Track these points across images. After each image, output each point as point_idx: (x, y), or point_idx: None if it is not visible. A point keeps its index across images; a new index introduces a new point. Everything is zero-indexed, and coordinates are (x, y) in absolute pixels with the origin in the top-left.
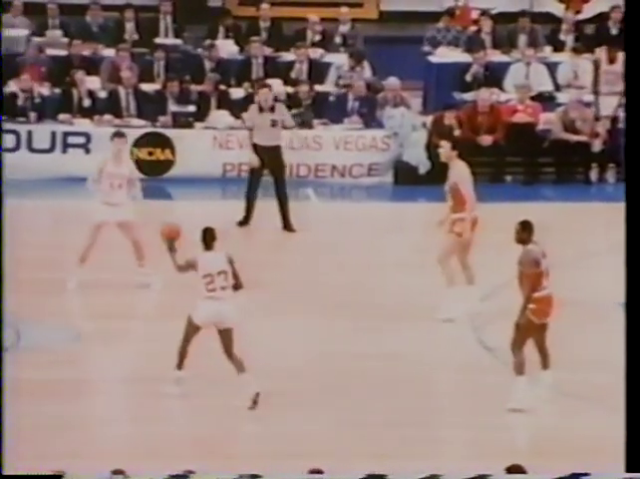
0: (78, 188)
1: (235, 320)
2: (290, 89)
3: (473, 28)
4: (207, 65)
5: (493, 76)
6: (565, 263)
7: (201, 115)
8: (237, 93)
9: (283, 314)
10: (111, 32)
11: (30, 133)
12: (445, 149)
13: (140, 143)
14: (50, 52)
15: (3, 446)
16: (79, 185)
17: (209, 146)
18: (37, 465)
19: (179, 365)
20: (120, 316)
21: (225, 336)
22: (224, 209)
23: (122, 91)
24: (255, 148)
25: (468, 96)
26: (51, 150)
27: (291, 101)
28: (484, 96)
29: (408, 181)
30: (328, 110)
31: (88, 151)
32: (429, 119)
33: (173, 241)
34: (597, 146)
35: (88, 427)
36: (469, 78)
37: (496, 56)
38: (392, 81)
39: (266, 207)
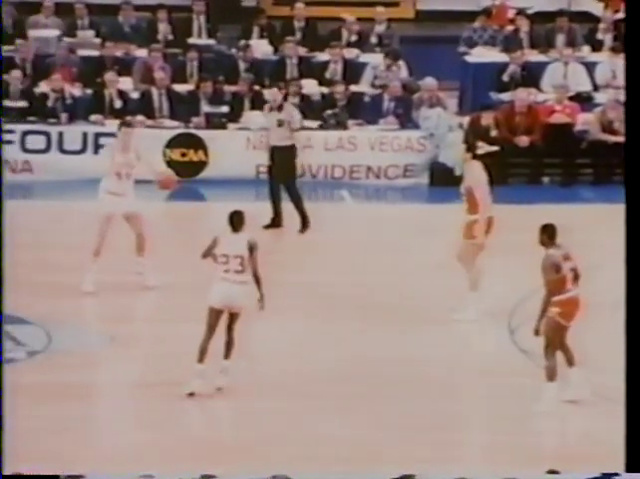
0: None
1: (244, 305)
2: (325, 89)
3: (510, 27)
4: (241, 65)
5: (531, 76)
6: (603, 265)
7: (235, 116)
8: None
9: (315, 317)
10: (143, 32)
11: (61, 134)
12: (460, 150)
13: (172, 144)
14: (81, 52)
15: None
16: None
17: (243, 147)
18: (61, 468)
19: (200, 359)
20: (145, 319)
21: (232, 318)
22: (258, 210)
23: (154, 92)
24: (269, 149)
25: (505, 96)
26: (82, 151)
27: (326, 101)
28: (522, 96)
29: (444, 182)
30: (363, 110)
31: None
32: (465, 119)
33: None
34: None
35: (111, 430)
36: (506, 78)
37: (534, 56)
38: (428, 81)
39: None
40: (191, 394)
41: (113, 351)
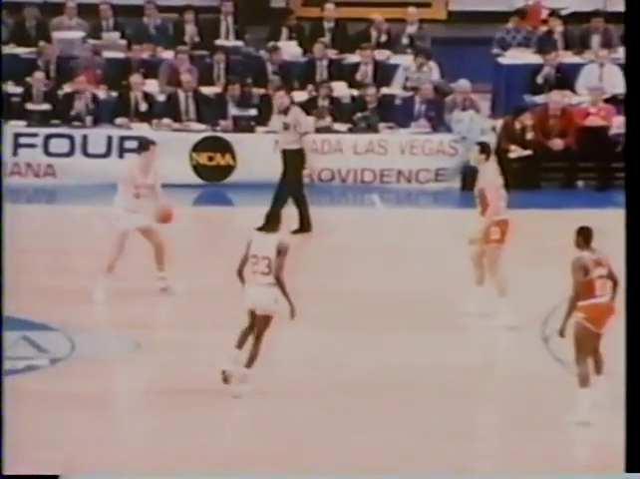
0: None
1: (267, 309)
2: (355, 92)
3: (543, 28)
4: (269, 67)
5: (565, 78)
6: None
7: (263, 119)
8: (300, 96)
9: (344, 323)
10: (169, 34)
11: (85, 137)
12: (474, 152)
13: (199, 147)
14: (106, 54)
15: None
16: None
17: (271, 150)
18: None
19: (239, 345)
20: (171, 325)
21: (259, 322)
22: (287, 214)
23: (181, 94)
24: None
25: (538, 99)
26: (107, 155)
27: (356, 104)
28: (556, 99)
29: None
30: (394, 113)
31: None
32: (498, 123)
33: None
34: None
35: (134, 438)
36: (540, 80)
37: (569, 57)
38: (462, 83)
39: (327, 212)
40: (226, 380)
41: (137, 358)
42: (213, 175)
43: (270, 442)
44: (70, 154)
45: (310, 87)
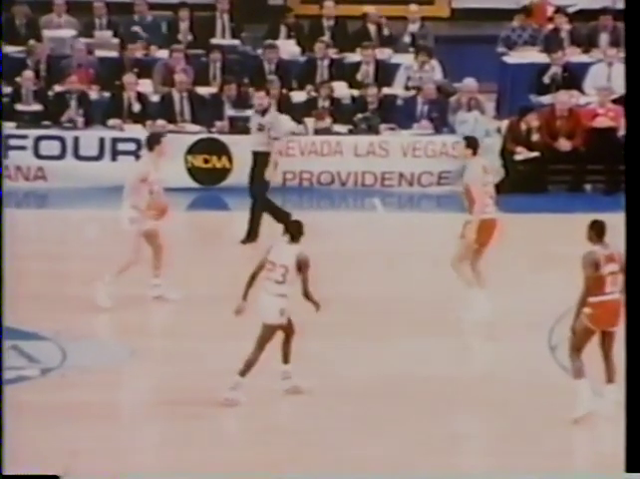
0: None
1: (271, 319)
2: (356, 92)
3: (550, 26)
4: (267, 67)
5: (573, 77)
6: None
7: None
8: (299, 96)
9: (346, 329)
10: (162, 32)
11: (77, 139)
12: (460, 147)
13: (194, 150)
14: (99, 53)
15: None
16: None
17: None
18: None
19: (242, 372)
20: (166, 334)
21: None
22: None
23: (175, 95)
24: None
25: (545, 99)
26: (99, 157)
27: (356, 105)
28: (563, 99)
29: None
30: (396, 114)
31: (139, 158)
32: (503, 124)
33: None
34: None
35: (128, 449)
36: (546, 80)
37: (576, 56)
38: (468, 82)
39: (327, 216)
40: (230, 403)
41: (131, 367)
42: (209, 178)
43: (266, 452)
44: (61, 156)
45: (309, 87)
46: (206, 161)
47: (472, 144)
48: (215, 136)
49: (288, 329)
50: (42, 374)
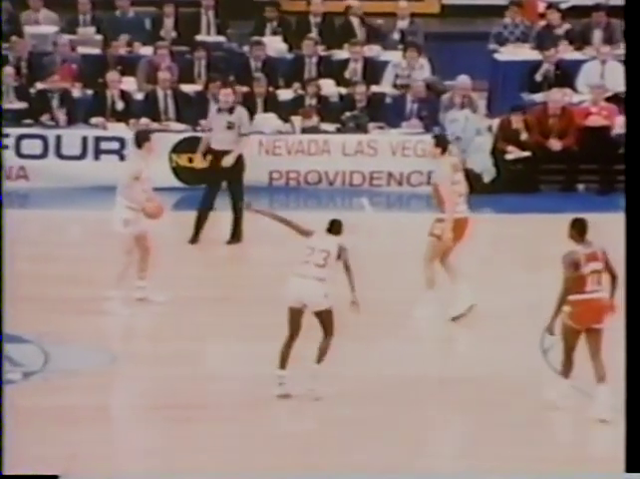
0: (112, 197)
1: (320, 304)
2: (344, 90)
3: (542, 23)
4: (253, 64)
5: (565, 75)
6: None
7: None
8: (286, 95)
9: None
10: (145, 28)
11: (59, 138)
12: (429, 146)
13: (179, 148)
14: (82, 50)
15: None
16: (112, 194)
17: (255, 152)
18: None
19: (282, 365)
20: (150, 337)
21: (321, 318)
22: (271, 220)
23: (160, 92)
24: (212, 153)
25: (537, 97)
26: (82, 156)
27: (345, 103)
28: (556, 97)
29: (471, 190)
30: (385, 112)
31: (122, 157)
32: (494, 122)
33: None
34: None
35: (111, 453)
36: (538, 77)
37: (569, 53)
38: (463, 80)
39: (314, 217)
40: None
41: (114, 370)
42: (194, 177)
43: (257, 455)
44: (43, 155)
45: (296, 85)
46: (191, 160)
47: (440, 142)
48: (200, 134)
49: (327, 321)
50: (24, 378)
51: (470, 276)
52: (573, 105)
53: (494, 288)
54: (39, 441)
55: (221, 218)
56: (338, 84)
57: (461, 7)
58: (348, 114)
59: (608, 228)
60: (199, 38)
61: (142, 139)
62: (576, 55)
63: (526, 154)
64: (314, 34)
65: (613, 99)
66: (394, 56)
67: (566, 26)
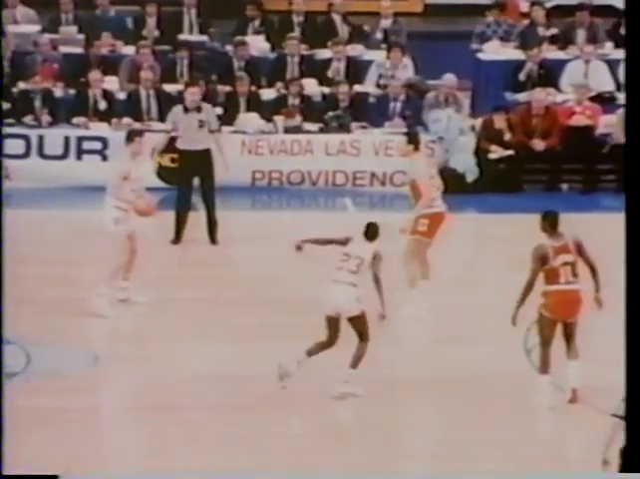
0: (94, 197)
1: (353, 310)
2: (326, 89)
3: (525, 22)
4: (236, 64)
5: (549, 75)
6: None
7: (229, 118)
8: (268, 94)
9: (312, 337)
10: (127, 27)
11: (41, 138)
12: (401, 143)
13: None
14: (64, 49)
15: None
16: (95, 194)
17: (237, 151)
18: None
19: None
20: (132, 338)
21: (355, 324)
22: (254, 220)
23: (142, 92)
24: (180, 154)
25: (520, 97)
26: (64, 156)
27: (327, 102)
28: (539, 96)
29: (454, 189)
30: (368, 112)
31: (105, 157)
32: (477, 122)
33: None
34: None
35: (94, 454)
36: (522, 77)
37: (552, 53)
38: (448, 78)
39: (297, 217)
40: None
41: (96, 372)
42: (176, 177)
43: (243, 455)
44: (25, 155)
45: (279, 84)
46: (173, 160)
47: (412, 139)
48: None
49: (361, 326)
50: (6, 379)
51: (456, 278)
52: (557, 104)
53: (478, 288)
54: (19, 443)
55: (204, 218)
56: (321, 83)
57: (444, 6)
58: (331, 113)
59: (592, 228)
60: (182, 37)
61: (134, 134)
62: (560, 54)
63: (509, 153)
64: (297, 33)
65: (597, 98)
66: (377, 55)
67: (551, 28)
